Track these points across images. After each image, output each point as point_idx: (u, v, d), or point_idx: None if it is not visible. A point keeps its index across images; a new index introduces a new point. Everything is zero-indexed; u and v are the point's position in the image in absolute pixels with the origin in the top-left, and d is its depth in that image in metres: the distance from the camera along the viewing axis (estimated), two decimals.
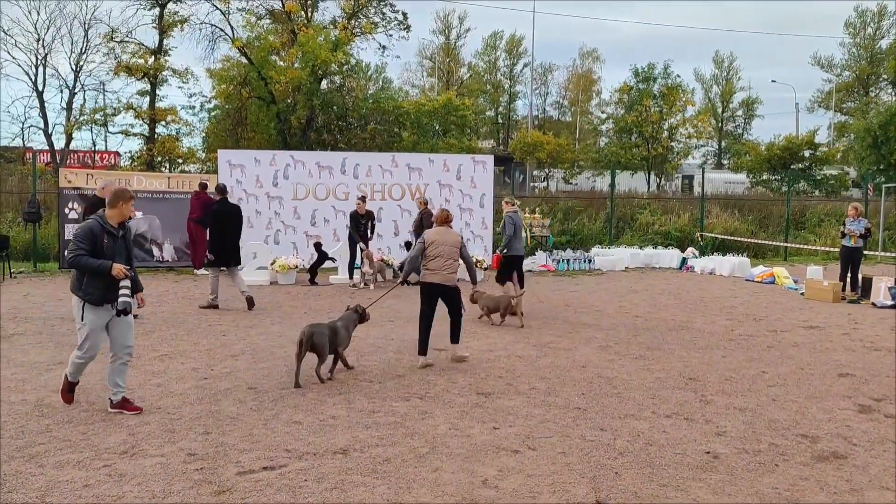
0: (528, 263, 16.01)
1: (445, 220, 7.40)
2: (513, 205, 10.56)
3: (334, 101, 30.85)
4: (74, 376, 5.74)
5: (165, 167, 33.56)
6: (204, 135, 35.60)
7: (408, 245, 14.15)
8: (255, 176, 15.23)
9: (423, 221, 12.62)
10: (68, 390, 5.77)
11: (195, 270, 14.65)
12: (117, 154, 35.58)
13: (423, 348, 7.25)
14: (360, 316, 7.17)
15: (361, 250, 12.90)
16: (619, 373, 7.09)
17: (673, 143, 36.98)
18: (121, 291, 5.36)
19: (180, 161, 33.86)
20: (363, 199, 13.17)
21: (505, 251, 10.15)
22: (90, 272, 5.30)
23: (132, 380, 6.54)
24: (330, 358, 6.82)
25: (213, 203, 13.65)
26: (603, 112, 39.50)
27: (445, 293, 7.30)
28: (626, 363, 7.50)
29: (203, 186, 14.03)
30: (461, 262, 7.34)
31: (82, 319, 5.41)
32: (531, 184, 43.63)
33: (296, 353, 6.45)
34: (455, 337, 7.47)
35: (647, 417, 5.71)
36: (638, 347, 8.27)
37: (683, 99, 35.71)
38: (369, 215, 13.22)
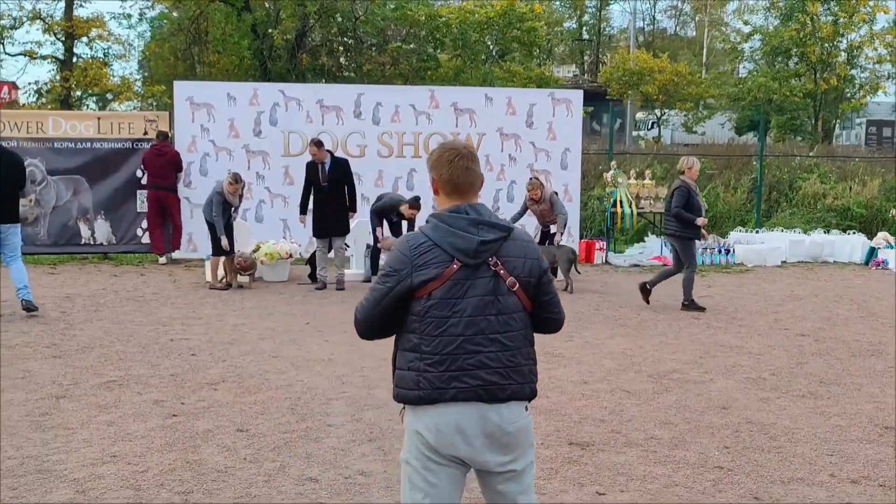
0: (634, 254, 16.21)
1: None
2: None
3: (337, 8, 31.18)
4: None
5: (87, 105, 34.37)
6: (142, 58, 36.31)
7: None
8: (227, 121, 15.66)
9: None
10: None
11: (159, 258, 15.29)
12: (13, 86, 36.45)
13: None
14: None
15: (377, 240, 13.20)
16: (777, 417, 7.25)
17: (854, 72, 36.61)
18: None
19: (109, 96, 34.67)
20: (415, 203, 13.39)
21: None
22: None
23: (68, 415, 6.91)
24: None
25: (177, 159, 14.64)
26: (746, 24, 39.15)
27: None
28: (787, 404, 7.65)
29: (161, 136, 14.58)
30: None
31: None
32: (633, 132, 43.60)
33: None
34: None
35: (823, 483, 5.88)
36: (805, 381, 8.40)
37: (871, 4, 35.28)
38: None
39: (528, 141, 16.37)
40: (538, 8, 35.73)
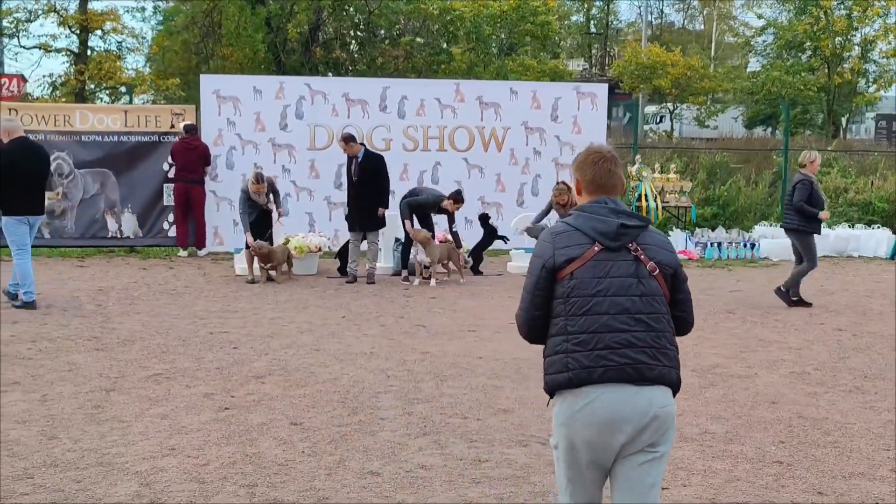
0: None
1: None
2: None
3: (351, 1, 31.15)
4: None
5: (101, 98, 34.36)
6: (150, 51, 36.17)
7: (483, 218, 14.40)
8: (253, 114, 15.65)
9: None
10: None
11: (181, 251, 15.30)
12: (21, 79, 36.25)
13: None
14: None
15: (407, 233, 13.19)
16: (828, 412, 7.25)
17: (867, 66, 36.56)
18: None
19: (123, 90, 34.62)
20: (459, 197, 13.47)
21: None
22: None
23: (121, 408, 6.92)
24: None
25: (207, 152, 14.87)
26: (760, 17, 39.08)
27: None
28: (836, 398, 7.65)
29: (191, 129, 14.62)
30: None
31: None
32: (644, 125, 43.54)
33: None
34: None
35: (884, 478, 5.87)
36: (850, 375, 8.40)
37: None
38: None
39: (552, 135, 16.36)
40: (551, 2, 35.70)
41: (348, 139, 13.11)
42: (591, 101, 16.47)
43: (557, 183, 13.75)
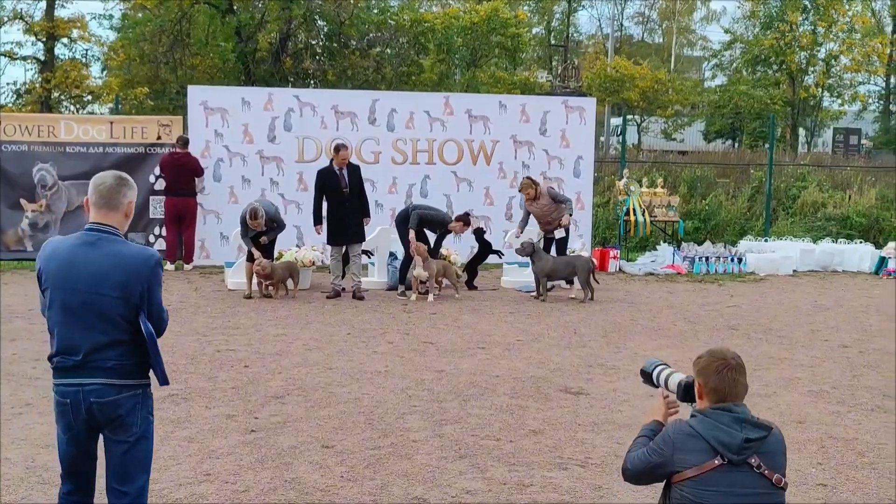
0: (647, 263, 16.20)
1: None
2: None
3: (323, 11, 30.93)
4: None
5: (66, 108, 33.81)
6: (107, 57, 35.40)
7: (478, 233, 14.31)
8: (241, 126, 15.43)
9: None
10: None
11: (168, 265, 14.96)
12: None
13: None
14: None
15: (406, 246, 13.06)
16: (856, 432, 7.24)
17: (831, 81, 36.98)
18: None
19: (88, 98, 34.07)
20: (468, 219, 13.60)
21: None
22: None
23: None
24: None
25: (198, 165, 14.64)
26: (727, 31, 39.37)
27: None
28: (859, 418, 7.64)
29: (184, 142, 14.38)
30: None
31: None
32: (611, 137, 43.78)
33: None
34: None
35: None
36: (867, 394, 8.40)
37: (850, 13, 35.59)
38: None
39: (541, 148, 16.32)
40: (522, 14, 35.78)
41: (345, 148, 13.01)
42: (580, 114, 16.44)
43: (523, 179, 13.81)
